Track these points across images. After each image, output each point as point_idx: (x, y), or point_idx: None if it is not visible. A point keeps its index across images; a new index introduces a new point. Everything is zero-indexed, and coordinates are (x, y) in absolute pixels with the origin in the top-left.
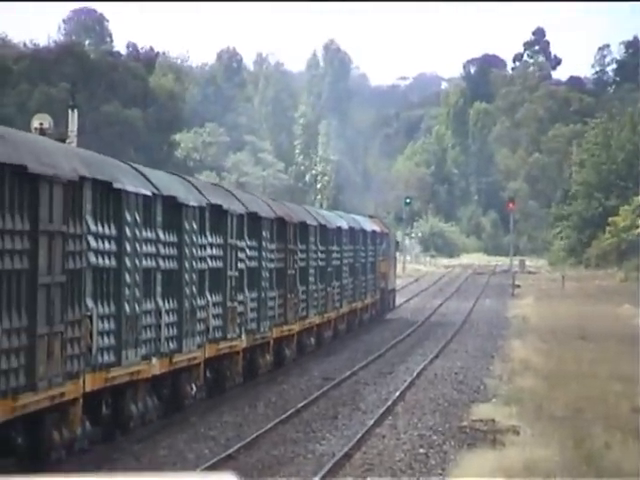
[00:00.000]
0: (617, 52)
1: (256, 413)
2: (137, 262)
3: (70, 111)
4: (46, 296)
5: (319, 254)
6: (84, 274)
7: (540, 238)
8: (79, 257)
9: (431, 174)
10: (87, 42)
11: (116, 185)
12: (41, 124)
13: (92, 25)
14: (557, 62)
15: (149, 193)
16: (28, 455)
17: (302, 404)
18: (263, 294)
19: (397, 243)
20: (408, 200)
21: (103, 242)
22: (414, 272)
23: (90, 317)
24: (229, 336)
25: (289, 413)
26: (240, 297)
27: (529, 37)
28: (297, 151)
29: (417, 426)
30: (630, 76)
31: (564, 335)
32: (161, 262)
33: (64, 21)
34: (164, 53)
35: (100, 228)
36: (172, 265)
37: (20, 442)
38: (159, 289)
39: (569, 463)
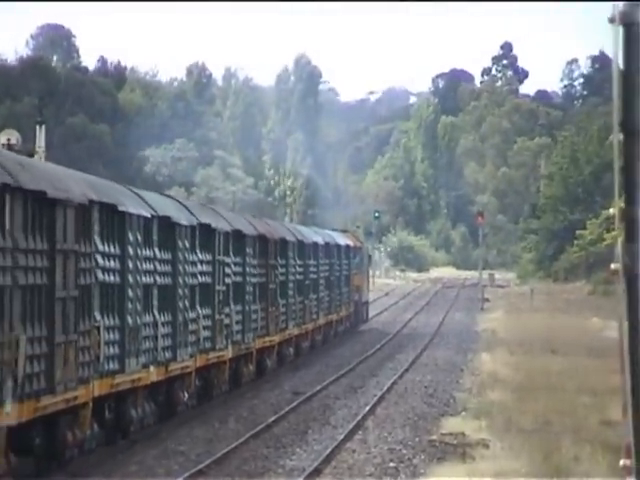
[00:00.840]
0: (584, 66)
1: (227, 428)
2: (138, 278)
3: (38, 127)
4: (62, 309)
5: (297, 268)
6: (93, 289)
7: (509, 252)
8: (89, 274)
9: (400, 188)
10: (55, 57)
11: (120, 208)
12: (9, 140)
13: (60, 41)
14: (525, 76)
15: (148, 214)
16: (45, 454)
17: (272, 419)
18: (247, 307)
19: (370, 257)
20: (377, 214)
21: (109, 260)
22: (384, 286)
23: (98, 328)
24: (217, 347)
25: (259, 428)
26: (226, 310)
27: (497, 51)
28: (267, 166)
29: (387, 440)
30: (597, 90)
31: (533, 348)
32: (158, 278)
33: (32, 36)
34: (132, 68)
35: (106, 247)
36: (167, 281)
37: (38, 442)
38: (156, 303)
39: (538, 476)
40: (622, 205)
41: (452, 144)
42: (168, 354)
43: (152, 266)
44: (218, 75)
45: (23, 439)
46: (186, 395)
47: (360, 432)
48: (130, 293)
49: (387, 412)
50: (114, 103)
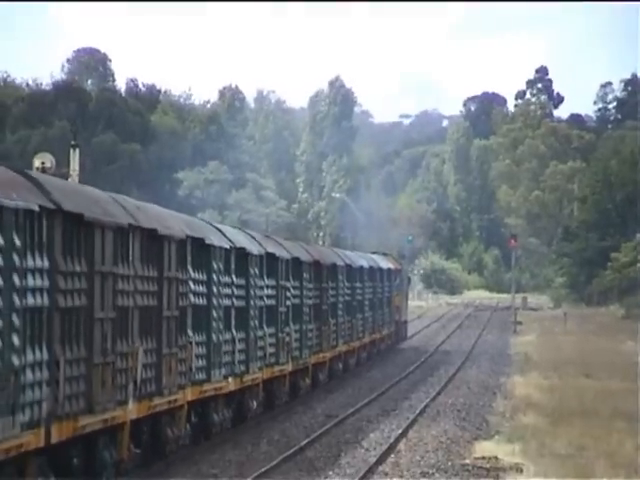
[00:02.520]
0: (618, 90)
1: (259, 451)
2: (220, 301)
3: (72, 150)
4: (167, 326)
5: (346, 290)
6: (188, 310)
7: (542, 275)
8: (185, 297)
9: (433, 211)
10: (89, 81)
11: (207, 241)
12: (43, 163)
13: (95, 65)
14: (560, 100)
15: (227, 246)
16: (84, 474)
17: (305, 442)
18: (304, 326)
19: (409, 279)
20: (410, 238)
21: (198, 285)
22: (416, 309)
23: (191, 343)
24: (280, 361)
25: (292, 451)
26: (287, 329)
27: (532, 75)
28: (300, 189)
29: (420, 464)
30: (631, 113)
31: (566, 372)
32: (235, 301)
33: (67, 60)
34: (166, 92)
35: (196, 274)
36: (242, 303)
37: (76, 462)
38: (233, 322)
39: None
40: None
41: (485, 167)
42: (242, 367)
43: (230, 291)
44: (250, 97)
45: (63, 460)
46: (255, 404)
47: (393, 455)
48: (214, 314)
49: (420, 435)
50: (145, 124)
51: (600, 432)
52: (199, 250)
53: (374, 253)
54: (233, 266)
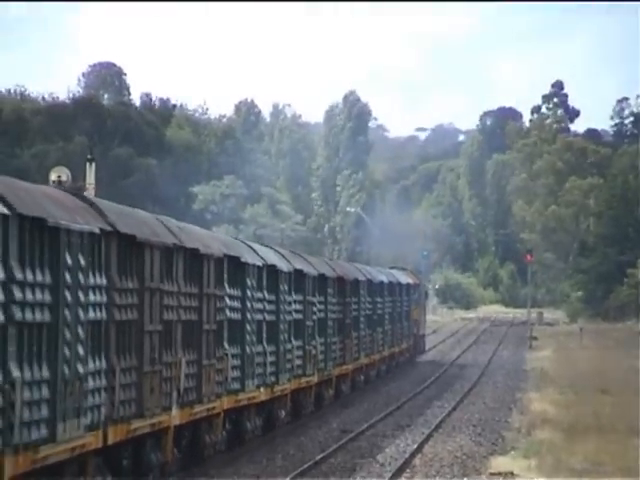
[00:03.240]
0: (635, 105)
1: (274, 465)
2: (253, 316)
3: (88, 164)
4: (207, 338)
5: (367, 305)
6: (224, 324)
7: (558, 290)
8: (222, 312)
9: (448, 225)
10: (106, 96)
11: (242, 259)
12: (59, 177)
13: (111, 79)
14: (575, 114)
15: (260, 264)
16: (133, 475)
17: (320, 456)
18: (329, 339)
19: (426, 293)
20: (425, 253)
21: (234, 301)
22: (431, 324)
23: (227, 355)
24: (307, 373)
25: (306, 466)
26: (313, 342)
27: (548, 90)
28: (317, 203)
29: (435, 479)
30: None
31: (583, 388)
32: (266, 315)
33: (83, 74)
34: (182, 105)
35: (232, 291)
36: (272, 318)
37: (125, 464)
38: (265, 336)
39: None
40: None
41: (501, 182)
42: (273, 378)
43: (262, 306)
44: (266, 112)
45: (114, 461)
46: (283, 413)
47: (408, 471)
48: (248, 327)
49: (435, 450)
50: (160, 137)
51: (616, 448)
52: (235, 268)
53: (392, 268)
54: (265, 282)
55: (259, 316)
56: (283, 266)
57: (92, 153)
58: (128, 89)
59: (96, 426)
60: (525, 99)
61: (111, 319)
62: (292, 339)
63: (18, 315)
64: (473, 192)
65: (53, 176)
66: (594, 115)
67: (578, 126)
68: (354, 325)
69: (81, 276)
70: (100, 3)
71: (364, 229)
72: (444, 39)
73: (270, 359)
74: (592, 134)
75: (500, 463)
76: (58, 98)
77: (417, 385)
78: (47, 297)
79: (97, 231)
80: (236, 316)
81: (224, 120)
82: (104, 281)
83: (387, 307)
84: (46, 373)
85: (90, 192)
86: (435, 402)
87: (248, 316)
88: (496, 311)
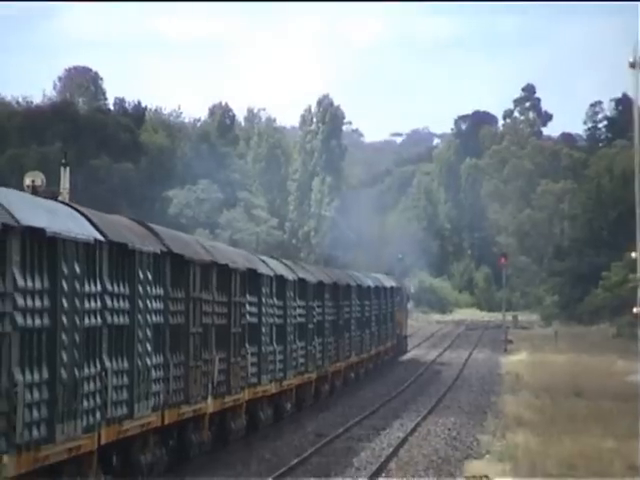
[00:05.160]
0: (608, 109)
1: (249, 471)
2: (267, 319)
3: (62, 169)
4: (234, 340)
5: (357, 307)
6: (245, 327)
7: (533, 293)
8: (244, 317)
9: (423, 229)
10: (81, 100)
11: (259, 271)
12: (33, 181)
13: (86, 84)
14: (548, 118)
15: (272, 274)
16: (177, 452)
17: (295, 461)
18: (326, 340)
19: (407, 296)
20: (400, 256)
21: (250, 307)
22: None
23: (247, 354)
24: (308, 370)
25: (281, 471)
26: (314, 342)
27: (519, 94)
28: (291, 207)
29: None
30: (621, 132)
31: (557, 391)
32: (276, 319)
33: (59, 79)
34: (156, 110)
35: (249, 298)
36: (281, 321)
37: (171, 443)
38: (275, 337)
39: None
40: None
41: (475, 186)
42: (281, 374)
43: (273, 311)
44: (241, 116)
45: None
46: (289, 405)
47: (383, 475)
48: (263, 330)
49: (410, 454)
50: (135, 140)
51: (590, 452)
52: (253, 279)
53: (377, 273)
54: (275, 290)
55: (271, 320)
56: (289, 275)
57: (66, 158)
58: (104, 94)
59: (157, 408)
60: (500, 103)
61: (167, 323)
62: (297, 340)
63: (109, 319)
64: (448, 196)
65: (27, 180)
66: (570, 119)
67: (553, 130)
68: (346, 326)
69: (148, 288)
70: (76, 6)
71: (339, 233)
72: (419, 44)
73: (279, 357)
74: (567, 138)
75: (475, 467)
76: (32, 103)
77: (392, 389)
78: (126, 305)
79: (158, 252)
80: (254, 320)
81: (199, 124)
82: (162, 292)
83: (374, 310)
84: (126, 364)
85: (64, 197)
86: (411, 405)
87: (263, 320)
88: (471, 315)
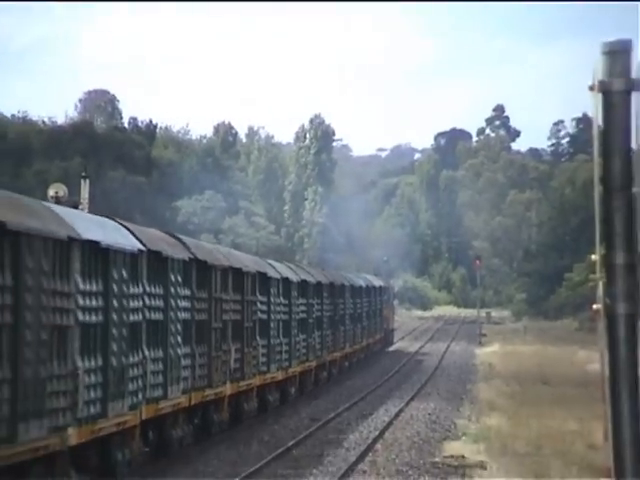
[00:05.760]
0: (570, 127)
1: (250, 451)
2: (275, 316)
3: (82, 181)
4: (247, 333)
5: (350, 304)
6: (256, 323)
7: (504, 292)
8: (256, 313)
9: (406, 234)
10: (99, 119)
11: (268, 274)
12: (57, 193)
13: (104, 106)
14: (516, 134)
15: (278, 277)
16: (201, 429)
17: (292, 442)
18: (324, 332)
19: (394, 295)
20: (385, 258)
21: (261, 305)
22: None
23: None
24: (309, 359)
25: (280, 451)
26: (313, 335)
27: (490, 114)
28: (287, 215)
29: (395, 462)
30: (582, 148)
31: (526, 379)
32: (282, 316)
33: (80, 100)
34: (167, 127)
35: (259, 297)
36: (286, 317)
37: (196, 422)
38: (281, 331)
39: None
40: (603, 252)
41: (452, 196)
42: (287, 363)
43: (280, 308)
44: (242, 133)
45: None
46: (293, 390)
47: (370, 454)
48: (272, 325)
49: (395, 436)
50: (147, 155)
51: (555, 433)
52: (262, 280)
53: (367, 274)
54: (281, 290)
55: (278, 316)
56: (293, 277)
57: (86, 171)
58: (120, 114)
59: (186, 391)
60: (474, 121)
61: (193, 319)
62: (299, 333)
63: (147, 316)
64: (428, 205)
65: (51, 192)
66: (537, 135)
67: (521, 145)
68: (341, 321)
69: (178, 289)
70: (96, 36)
71: (330, 238)
72: (400, 66)
73: (285, 348)
74: (534, 153)
75: (453, 447)
76: (56, 122)
77: (380, 377)
78: (161, 303)
79: (187, 259)
80: (264, 316)
81: (204, 140)
82: (189, 292)
83: (365, 306)
84: (161, 353)
85: (84, 206)
86: (395, 392)
87: (272, 316)
88: (449, 311)
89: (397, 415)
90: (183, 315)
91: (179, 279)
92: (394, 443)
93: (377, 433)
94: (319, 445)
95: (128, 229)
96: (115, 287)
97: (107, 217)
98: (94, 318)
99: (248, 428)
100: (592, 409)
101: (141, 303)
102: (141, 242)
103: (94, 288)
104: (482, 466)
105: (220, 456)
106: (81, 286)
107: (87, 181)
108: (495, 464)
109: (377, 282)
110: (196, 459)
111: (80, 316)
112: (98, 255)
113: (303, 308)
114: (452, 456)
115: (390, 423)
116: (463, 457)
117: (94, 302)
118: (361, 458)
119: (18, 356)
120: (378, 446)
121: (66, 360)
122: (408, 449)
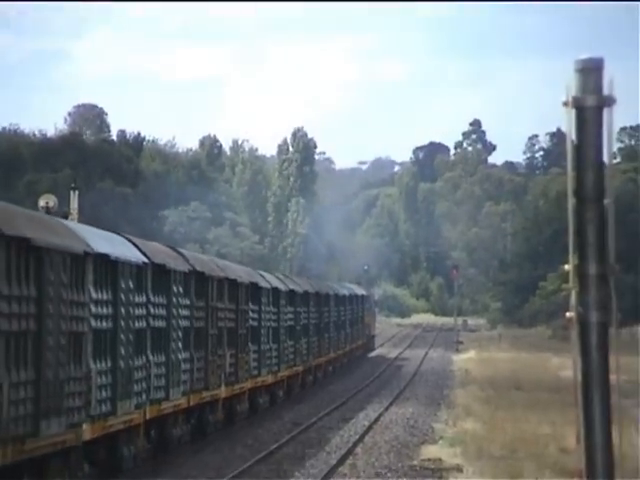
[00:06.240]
0: (544, 141)
1: (234, 454)
2: (266, 323)
3: (72, 192)
4: (243, 339)
5: (334, 312)
6: (255, 329)
7: (480, 300)
8: (250, 320)
9: (385, 245)
10: (88, 132)
11: (259, 285)
12: (47, 203)
13: (93, 119)
14: (492, 148)
15: (269, 287)
16: (197, 429)
17: (274, 446)
18: (310, 339)
19: (375, 302)
20: (366, 267)
21: (252, 313)
22: None
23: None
24: (296, 363)
25: (263, 454)
26: (301, 341)
27: (467, 128)
28: (270, 226)
29: (374, 465)
30: (556, 161)
31: (501, 385)
32: (272, 323)
33: (69, 114)
34: (154, 140)
35: (251, 306)
36: (275, 324)
37: (193, 422)
38: (271, 337)
39: None
40: (576, 262)
41: (431, 207)
42: (275, 367)
43: (269, 316)
44: (227, 146)
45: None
46: (281, 393)
47: (351, 458)
48: (262, 332)
49: (374, 440)
50: (135, 167)
51: (529, 437)
52: (254, 290)
53: (346, 283)
54: (271, 299)
55: (268, 323)
56: (282, 287)
57: (76, 183)
58: (108, 127)
59: (185, 393)
60: (451, 135)
61: (192, 326)
62: (288, 340)
63: (151, 323)
64: (407, 216)
65: (42, 202)
66: (512, 149)
67: (497, 159)
68: (326, 328)
69: (179, 298)
70: (83, 53)
71: (312, 248)
72: (381, 83)
73: (274, 354)
74: (509, 166)
75: (430, 451)
76: (46, 134)
77: (362, 382)
78: (163, 312)
79: (187, 270)
80: (255, 324)
81: (190, 153)
82: (188, 301)
83: (348, 314)
84: (163, 358)
85: (74, 217)
86: (375, 398)
87: (262, 324)
88: (427, 319)
89: (377, 419)
90: (183, 323)
91: (180, 289)
92: (374, 447)
93: (357, 437)
94: (301, 448)
95: (133, 243)
96: (123, 296)
97: (114, 232)
98: (105, 325)
99: (240, 430)
100: (565, 414)
101: (145, 311)
102: (145, 255)
103: (104, 297)
104: (458, 469)
105: (207, 458)
106: (94, 295)
107: (76, 192)
108: (471, 467)
109: (359, 291)
110: (191, 457)
111: (93, 323)
112: (108, 267)
113: (291, 316)
114: (429, 459)
115: (370, 427)
116: (440, 460)
117: (105, 310)
118: (342, 461)
119: (41, 360)
120: (358, 450)
121: (81, 363)
122: (387, 452)
